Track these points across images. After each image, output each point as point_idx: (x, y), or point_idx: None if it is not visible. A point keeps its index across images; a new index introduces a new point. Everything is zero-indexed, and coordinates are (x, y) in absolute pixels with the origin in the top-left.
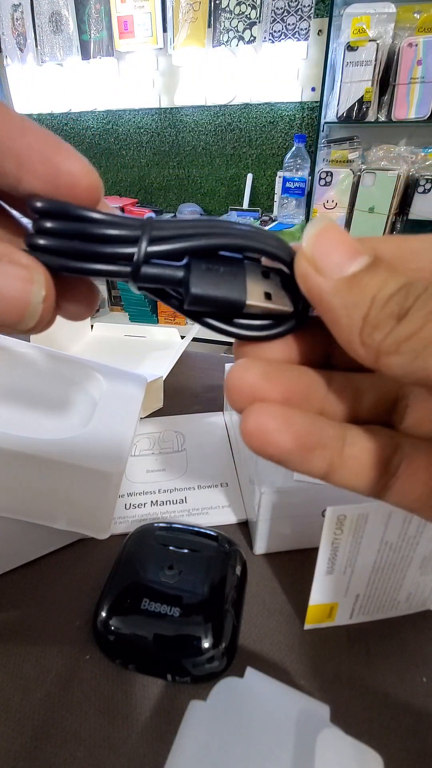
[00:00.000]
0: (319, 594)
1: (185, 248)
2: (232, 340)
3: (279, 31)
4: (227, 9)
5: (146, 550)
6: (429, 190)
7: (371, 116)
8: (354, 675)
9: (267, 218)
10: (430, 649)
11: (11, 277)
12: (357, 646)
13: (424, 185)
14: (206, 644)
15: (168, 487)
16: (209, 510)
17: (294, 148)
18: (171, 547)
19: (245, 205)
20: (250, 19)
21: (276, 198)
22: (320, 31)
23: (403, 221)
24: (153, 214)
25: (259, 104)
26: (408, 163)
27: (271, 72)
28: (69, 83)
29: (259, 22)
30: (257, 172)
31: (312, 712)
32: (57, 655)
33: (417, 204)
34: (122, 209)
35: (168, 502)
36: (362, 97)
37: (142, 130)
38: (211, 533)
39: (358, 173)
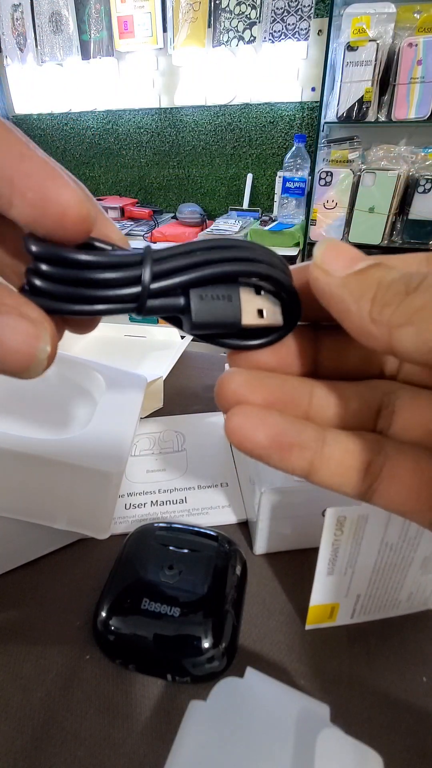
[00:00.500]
0: (319, 595)
1: (187, 282)
2: None
3: (279, 31)
4: (227, 9)
5: (146, 550)
6: (429, 190)
7: (371, 116)
8: (354, 675)
9: (267, 218)
10: (430, 648)
11: (20, 333)
12: (357, 646)
13: (424, 185)
14: (206, 644)
15: (168, 487)
16: (209, 510)
17: (294, 148)
18: (171, 547)
19: (245, 205)
20: (250, 19)
21: (276, 198)
22: (320, 31)
23: (403, 221)
24: (151, 245)
25: (259, 104)
26: (408, 163)
27: (271, 72)
28: (69, 83)
29: (259, 22)
30: (257, 172)
31: (312, 712)
32: (57, 655)
33: (417, 204)
34: (122, 209)
35: (168, 502)
36: (362, 97)
37: (142, 130)
38: (211, 533)
39: (358, 173)
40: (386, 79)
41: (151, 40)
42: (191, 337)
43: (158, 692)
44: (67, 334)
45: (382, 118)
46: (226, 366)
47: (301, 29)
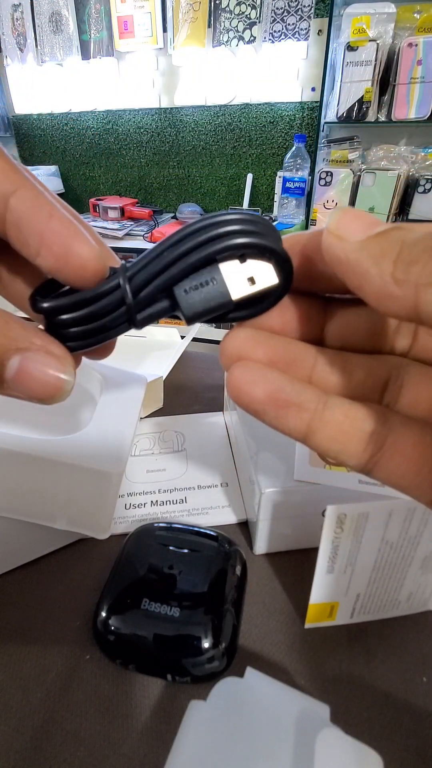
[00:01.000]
0: (319, 593)
1: (163, 285)
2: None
3: (279, 31)
4: (227, 9)
5: (146, 550)
6: (429, 190)
7: (371, 116)
8: (354, 675)
9: (267, 218)
10: (430, 648)
11: (48, 368)
12: (357, 646)
13: (424, 185)
14: (206, 644)
15: (168, 487)
16: (209, 510)
17: (294, 148)
18: (171, 547)
19: (245, 205)
20: (250, 19)
21: (276, 198)
22: (320, 31)
23: (403, 221)
24: (124, 262)
25: (259, 104)
26: (408, 163)
27: (271, 72)
28: (69, 83)
29: (259, 22)
30: (257, 172)
31: (312, 712)
32: (57, 655)
33: (417, 204)
34: (122, 209)
35: (168, 502)
36: (362, 97)
37: (142, 130)
38: (211, 533)
39: (358, 173)
40: (386, 79)
41: (151, 40)
42: (191, 337)
43: (158, 692)
44: None
45: (382, 118)
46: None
47: (301, 29)
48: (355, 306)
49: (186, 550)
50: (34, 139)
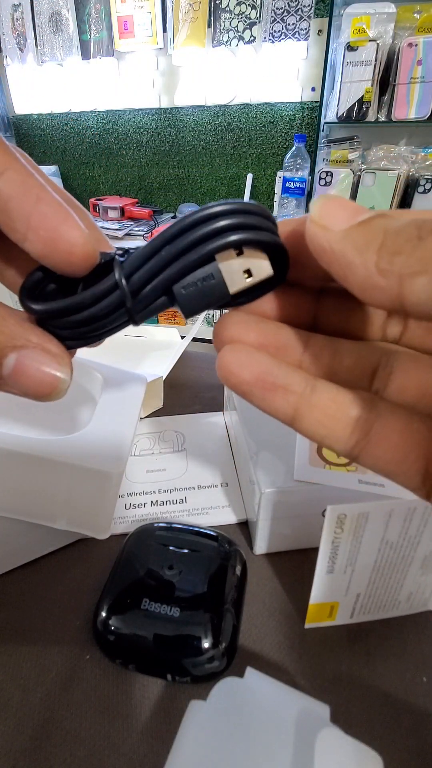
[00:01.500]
0: (319, 593)
1: (162, 285)
2: None
3: (279, 31)
4: (227, 9)
5: (146, 550)
6: (429, 190)
7: (371, 116)
8: (354, 675)
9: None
10: (430, 648)
11: (45, 366)
12: (357, 646)
13: (424, 185)
14: (206, 644)
15: (168, 487)
16: (209, 510)
17: (294, 148)
18: (171, 547)
19: None
20: (250, 19)
21: (276, 198)
22: (320, 31)
23: None
24: (117, 252)
25: (259, 104)
26: (408, 163)
27: (271, 72)
28: (69, 83)
29: (259, 22)
30: (257, 171)
31: (312, 712)
32: (57, 655)
33: (417, 204)
34: (122, 209)
35: (168, 502)
36: (362, 97)
37: (142, 130)
38: (211, 533)
39: (358, 173)
40: (386, 79)
41: (151, 40)
42: (191, 337)
43: (158, 692)
44: None
45: (382, 118)
46: None
47: (301, 29)
48: (346, 293)
49: (186, 550)
50: (34, 139)
